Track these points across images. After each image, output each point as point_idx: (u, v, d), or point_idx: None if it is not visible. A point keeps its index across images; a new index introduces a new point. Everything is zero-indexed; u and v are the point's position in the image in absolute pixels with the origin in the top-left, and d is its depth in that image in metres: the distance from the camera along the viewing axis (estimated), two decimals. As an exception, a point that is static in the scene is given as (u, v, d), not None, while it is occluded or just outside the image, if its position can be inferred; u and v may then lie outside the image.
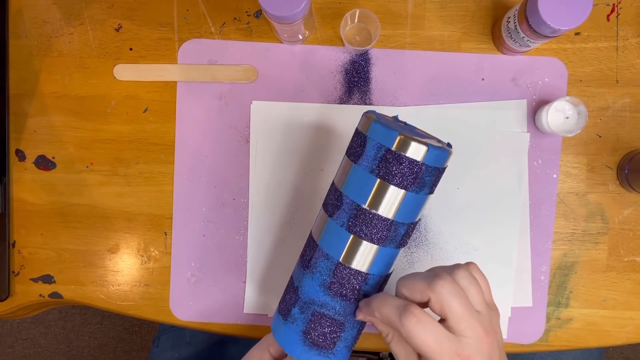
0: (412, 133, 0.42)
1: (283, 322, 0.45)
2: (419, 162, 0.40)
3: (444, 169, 0.43)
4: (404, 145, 0.40)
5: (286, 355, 0.48)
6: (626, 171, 0.58)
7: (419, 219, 0.44)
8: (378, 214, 0.41)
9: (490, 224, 0.59)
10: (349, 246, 0.42)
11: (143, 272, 0.61)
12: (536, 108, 0.59)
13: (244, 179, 0.60)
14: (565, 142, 0.60)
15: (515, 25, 0.53)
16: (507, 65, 0.60)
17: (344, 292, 0.43)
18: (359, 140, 0.43)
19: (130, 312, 0.61)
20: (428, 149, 0.40)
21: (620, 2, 0.60)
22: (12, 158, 0.62)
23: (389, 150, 0.40)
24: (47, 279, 0.62)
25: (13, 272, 0.62)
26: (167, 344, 0.72)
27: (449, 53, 0.60)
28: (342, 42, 0.58)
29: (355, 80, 0.60)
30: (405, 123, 0.47)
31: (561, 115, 0.56)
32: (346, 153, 0.45)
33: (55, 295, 0.62)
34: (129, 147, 0.61)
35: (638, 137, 0.59)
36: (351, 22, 0.58)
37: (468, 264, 0.41)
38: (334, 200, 0.44)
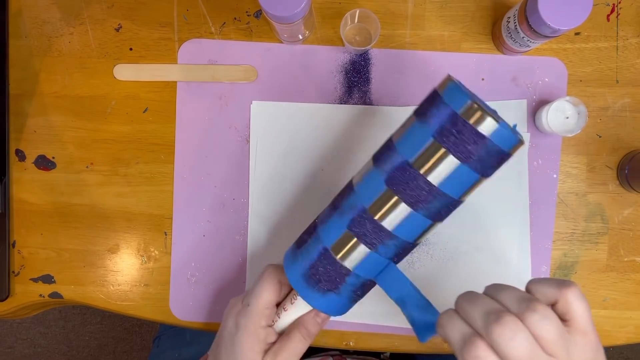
0: (486, 107, 0.39)
1: (295, 253, 0.46)
2: (483, 136, 0.37)
3: (508, 155, 0.39)
4: (474, 114, 0.37)
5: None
6: (626, 171, 0.58)
7: (463, 200, 0.42)
8: (421, 174, 0.39)
9: (490, 224, 0.59)
10: (380, 198, 0.41)
11: (143, 272, 0.61)
12: (536, 108, 0.59)
13: (244, 179, 0.60)
14: (565, 142, 0.60)
15: (515, 25, 0.53)
16: (507, 65, 0.60)
17: (363, 239, 0.42)
18: (431, 97, 0.41)
19: (130, 312, 0.61)
20: (498, 126, 0.37)
21: (620, 2, 0.60)
22: (12, 158, 0.62)
23: (455, 114, 0.38)
24: (47, 279, 0.62)
25: (13, 272, 0.62)
26: (167, 344, 0.72)
27: (449, 53, 0.60)
28: (342, 42, 0.58)
29: (355, 80, 0.60)
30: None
31: (561, 115, 0.56)
32: (415, 110, 0.42)
33: (55, 295, 0.62)
34: (129, 147, 0.61)
35: (638, 137, 0.59)
36: (351, 22, 0.58)
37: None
38: (383, 150, 0.42)
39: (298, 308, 0.47)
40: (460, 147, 0.38)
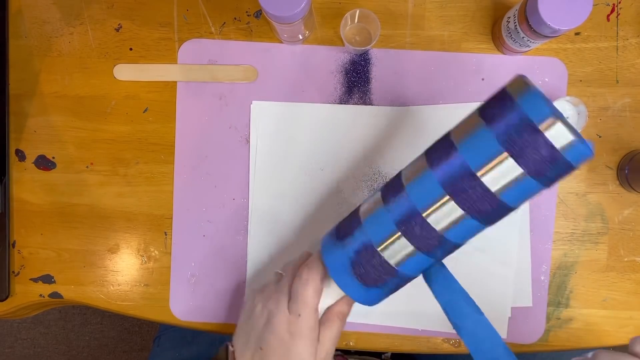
0: (562, 117, 0.36)
1: (336, 243, 0.45)
2: (557, 151, 0.35)
3: (574, 169, 0.37)
4: (552, 126, 0.35)
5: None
6: (626, 171, 0.58)
7: (520, 207, 0.40)
8: (484, 184, 0.38)
9: (491, 224, 0.59)
10: (436, 201, 0.39)
11: (143, 272, 0.61)
12: (536, 108, 0.59)
13: (244, 179, 0.60)
14: (565, 142, 0.60)
15: (515, 25, 0.53)
16: (507, 65, 0.59)
17: (410, 239, 0.41)
18: (502, 101, 0.38)
19: (130, 312, 0.61)
20: (574, 143, 0.35)
21: (620, 2, 0.60)
22: (12, 158, 0.62)
23: (531, 125, 0.35)
24: (47, 279, 0.62)
25: (13, 272, 0.62)
26: (168, 343, 0.72)
27: (449, 53, 0.60)
28: (342, 42, 0.58)
29: (355, 80, 0.60)
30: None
31: (561, 115, 0.56)
32: (480, 107, 0.40)
33: (55, 295, 0.62)
34: (129, 147, 0.61)
35: (638, 137, 0.59)
36: (351, 22, 0.58)
37: None
38: (442, 151, 0.40)
39: (332, 295, 0.47)
40: (533, 163, 0.36)
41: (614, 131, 0.60)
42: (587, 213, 0.60)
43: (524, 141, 0.36)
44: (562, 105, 0.56)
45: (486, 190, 0.38)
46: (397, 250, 0.42)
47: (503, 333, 0.59)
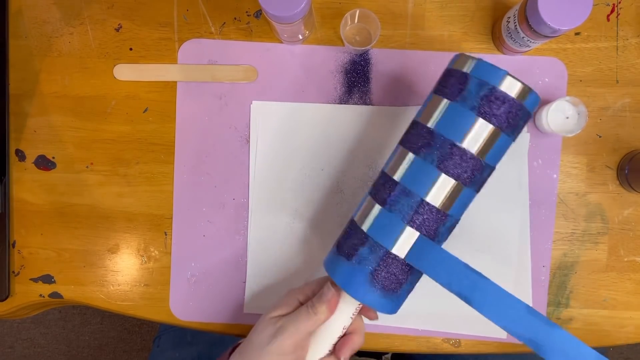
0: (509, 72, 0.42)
1: (345, 261, 0.45)
2: (519, 102, 0.41)
3: (531, 116, 0.44)
4: (510, 84, 0.41)
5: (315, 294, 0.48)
6: (626, 171, 0.58)
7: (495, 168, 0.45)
8: (471, 152, 0.41)
9: (490, 224, 0.59)
10: (435, 183, 0.42)
11: (143, 272, 0.61)
12: (536, 108, 0.59)
13: (244, 179, 0.60)
14: (565, 142, 0.60)
15: (515, 25, 0.53)
16: (507, 65, 0.59)
17: (421, 230, 0.42)
18: (457, 78, 0.43)
19: (130, 312, 0.61)
20: (530, 91, 0.41)
21: (620, 2, 0.60)
22: (12, 158, 0.62)
23: (494, 87, 0.41)
24: (47, 279, 0.62)
25: (13, 272, 0.62)
26: (168, 343, 0.72)
27: (449, 53, 0.60)
28: (342, 42, 0.58)
29: (355, 80, 0.60)
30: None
31: (561, 115, 0.56)
32: (435, 92, 0.44)
33: (55, 295, 0.62)
34: (129, 147, 0.61)
35: (638, 137, 0.59)
36: (351, 22, 0.58)
37: None
38: (420, 137, 0.43)
39: (345, 315, 0.47)
40: (502, 118, 0.41)
41: (614, 131, 0.60)
42: (587, 213, 0.60)
43: (490, 102, 0.41)
44: (562, 105, 0.56)
45: (475, 158, 0.42)
46: (415, 247, 0.43)
47: (503, 333, 0.59)
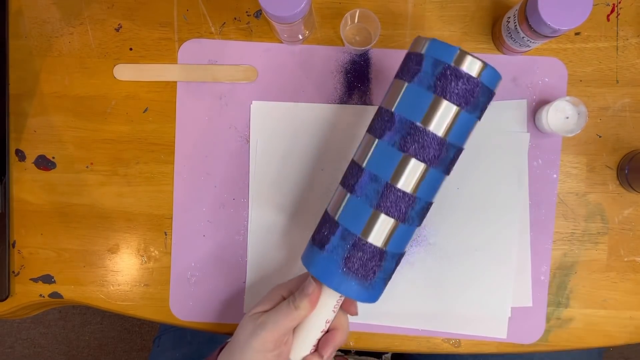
0: (467, 51, 0.42)
1: (319, 252, 0.45)
2: (476, 79, 0.41)
3: (493, 94, 0.44)
4: (463, 60, 0.41)
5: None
6: (626, 171, 0.58)
7: (463, 149, 0.45)
8: (432, 132, 0.41)
9: (490, 224, 0.59)
10: (399, 165, 0.42)
11: (143, 272, 0.61)
12: (536, 108, 0.59)
13: (244, 179, 0.60)
14: (565, 142, 0.60)
15: (515, 25, 0.53)
16: (507, 65, 0.59)
17: (388, 213, 0.43)
18: (414, 60, 0.43)
19: (130, 312, 0.61)
20: (485, 67, 0.41)
21: (620, 2, 0.60)
22: (12, 158, 0.62)
23: (448, 65, 0.41)
24: (47, 279, 0.62)
25: (13, 272, 0.62)
26: (168, 343, 0.72)
27: (449, 53, 0.60)
28: (342, 42, 0.58)
29: (355, 80, 0.60)
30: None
31: (561, 115, 0.56)
32: (396, 76, 0.45)
33: (55, 295, 0.62)
34: (129, 147, 0.61)
35: (638, 137, 0.59)
36: (351, 22, 0.58)
37: None
38: (383, 121, 0.44)
39: (327, 308, 0.47)
40: (458, 94, 0.41)
41: (614, 131, 0.60)
42: (587, 213, 0.60)
43: (445, 80, 0.41)
44: (562, 105, 0.56)
45: (437, 137, 0.42)
46: (380, 230, 0.43)
47: (503, 333, 0.59)
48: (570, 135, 0.56)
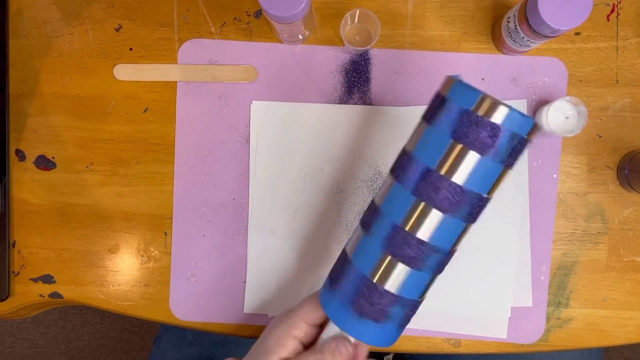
0: (494, 97, 0.39)
1: (331, 291, 0.44)
2: (497, 124, 0.38)
3: (526, 141, 0.40)
4: (484, 105, 0.38)
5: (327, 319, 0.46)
6: (626, 171, 0.58)
7: (491, 196, 0.41)
8: (448, 178, 0.39)
9: (490, 224, 0.59)
10: (410, 209, 0.40)
11: (143, 272, 0.61)
12: (536, 108, 0.59)
13: (244, 179, 0.60)
14: (565, 142, 0.60)
15: (515, 25, 0.53)
16: (507, 65, 0.59)
17: (401, 259, 0.41)
18: (437, 102, 0.41)
19: (130, 312, 0.61)
20: (509, 112, 0.38)
21: (620, 2, 0.60)
22: (12, 158, 0.62)
23: (467, 110, 0.38)
24: (47, 279, 0.62)
25: (13, 272, 0.62)
26: (168, 344, 0.72)
27: (449, 53, 0.60)
28: (342, 42, 0.58)
29: (355, 80, 0.60)
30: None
31: (561, 115, 0.56)
32: (422, 117, 0.43)
33: (55, 295, 0.62)
34: (129, 147, 0.61)
35: (638, 137, 0.59)
36: (351, 22, 0.58)
37: None
38: (401, 163, 0.42)
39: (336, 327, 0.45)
40: (476, 140, 0.38)
41: (614, 131, 0.60)
42: (587, 213, 0.60)
43: (468, 127, 0.38)
44: (562, 105, 0.56)
45: (452, 184, 0.39)
46: (393, 275, 0.41)
47: (503, 333, 0.59)
48: (570, 135, 0.56)
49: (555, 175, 0.59)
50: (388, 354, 0.78)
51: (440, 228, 0.40)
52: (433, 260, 0.41)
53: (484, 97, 0.38)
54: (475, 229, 0.43)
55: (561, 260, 0.60)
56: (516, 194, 0.59)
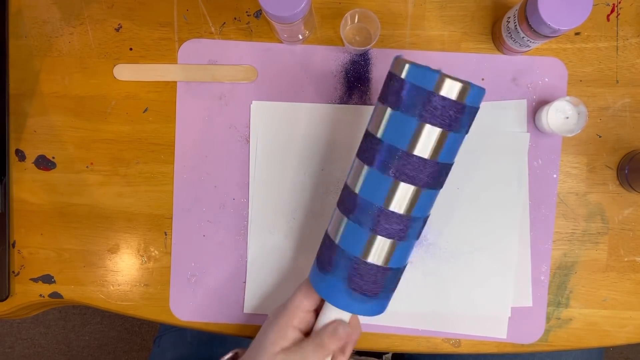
0: (446, 73, 0.42)
1: (323, 275, 0.46)
2: (459, 102, 0.41)
3: (477, 110, 0.44)
4: (447, 86, 0.41)
5: (321, 303, 0.49)
6: (626, 171, 0.58)
7: (453, 163, 0.46)
8: (420, 156, 0.42)
9: (490, 224, 0.59)
10: (390, 190, 0.43)
11: (143, 272, 0.61)
12: (536, 108, 0.59)
13: (244, 179, 0.60)
14: (565, 142, 0.60)
15: (515, 25, 0.53)
16: (507, 65, 0.59)
17: (386, 235, 0.44)
18: (395, 84, 0.43)
19: (130, 312, 0.61)
20: (470, 88, 0.41)
21: (620, 2, 0.60)
22: (12, 158, 0.62)
23: (431, 92, 0.41)
24: (47, 279, 0.62)
25: (13, 272, 0.62)
26: (168, 344, 0.72)
27: (449, 53, 0.60)
28: (342, 42, 0.58)
29: (355, 80, 0.60)
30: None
31: (561, 115, 0.56)
32: (379, 99, 0.45)
33: (55, 295, 0.62)
34: (129, 147, 0.61)
35: (638, 137, 0.59)
36: (351, 22, 0.58)
37: None
38: (371, 147, 0.44)
39: (331, 310, 0.48)
40: (443, 118, 0.41)
41: (614, 131, 0.60)
42: (587, 213, 0.60)
43: (426, 106, 0.41)
44: (562, 105, 0.56)
45: (427, 161, 0.43)
46: (380, 250, 0.45)
47: (503, 333, 0.59)
48: (570, 135, 0.56)
49: (555, 175, 0.59)
50: (387, 353, 0.78)
51: (420, 201, 0.44)
52: (416, 230, 0.45)
53: (441, 75, 0.41)
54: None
55: (561, 260, 0.60)
56: (516, 194, 0.59)
